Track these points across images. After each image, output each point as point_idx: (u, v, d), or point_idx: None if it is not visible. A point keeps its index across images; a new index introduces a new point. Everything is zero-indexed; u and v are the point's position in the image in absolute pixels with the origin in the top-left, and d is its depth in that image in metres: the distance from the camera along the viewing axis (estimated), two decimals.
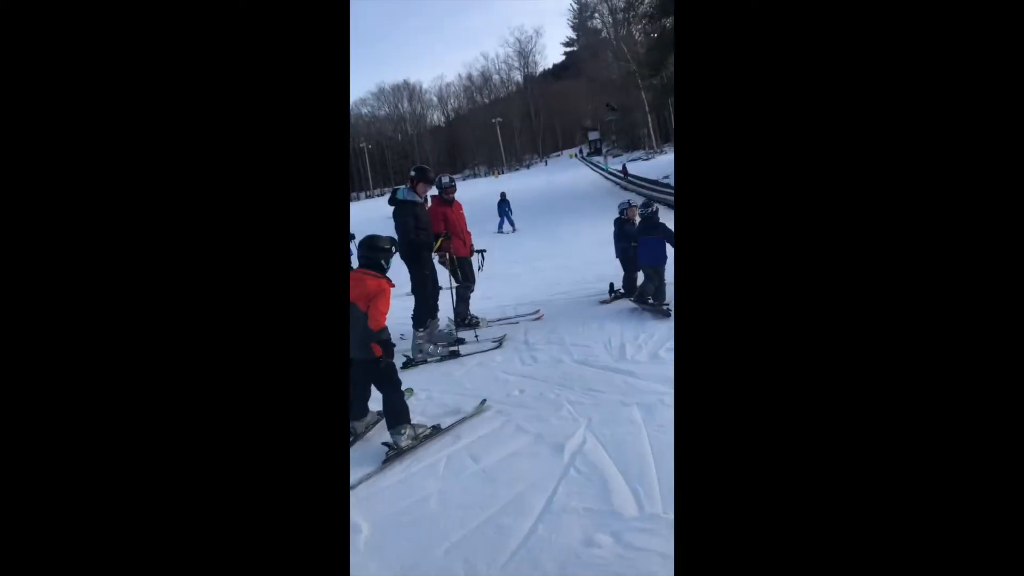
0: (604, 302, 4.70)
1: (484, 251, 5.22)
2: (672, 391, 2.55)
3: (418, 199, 3.83)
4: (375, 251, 2.64)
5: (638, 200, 5.11)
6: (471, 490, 1.99)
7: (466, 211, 4.77)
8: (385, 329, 2.45)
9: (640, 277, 4.46)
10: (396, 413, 2.42)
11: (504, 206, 13.00)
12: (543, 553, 1.59)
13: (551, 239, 9.63)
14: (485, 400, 2.78)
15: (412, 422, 2.45)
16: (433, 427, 2.53)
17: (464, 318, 4.35)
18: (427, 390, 3.11)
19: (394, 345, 2.52)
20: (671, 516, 1.66)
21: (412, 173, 3.89)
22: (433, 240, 3.90)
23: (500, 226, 12.64)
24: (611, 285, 4.80)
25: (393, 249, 2.72)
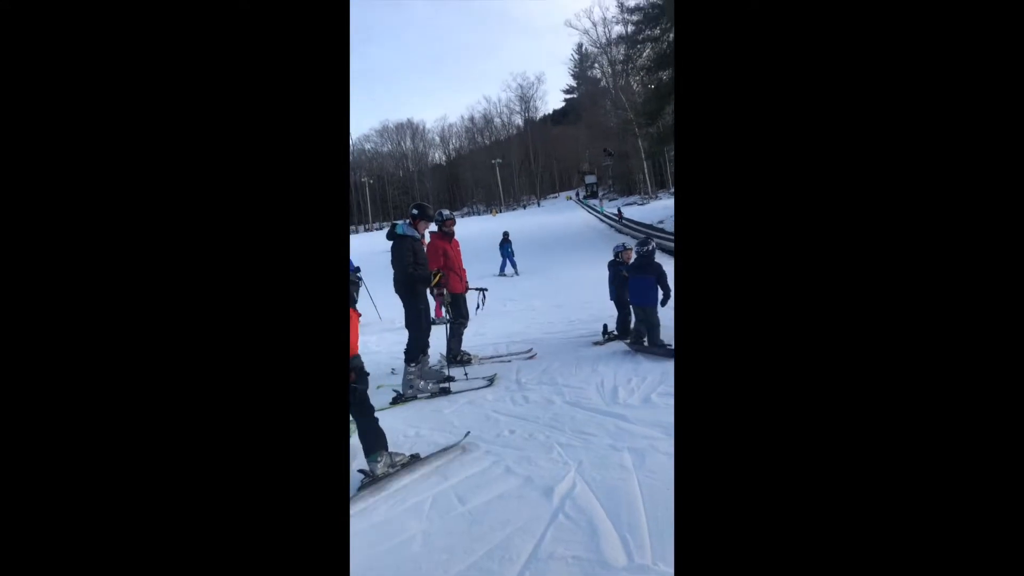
0: (597, 343, 4.69)
1: (485, 290, 5.24)
2: (663, 436, 2.54)
3: (416, 235, 3.87)
4: None
5: (632, 243, 5.17)
6: (456, 533, 1.93)
7: (465, 247, 4.83)
8: (357, 356, 2.49)
9: (634, 319, 4.47)
10: (371, 440, 2.41)
11: (506, 247, 12.09)
12: None
13: (546, 278, 9.69)
14: (468, 432, 2.75)
15: (389, 450, 2.44)
16: (412, 456, 2.52)
17: (456, 355, 4.33)
18: (416, 427, 3.06)
19: (367, 373, 2.55)
20: (660, 568, 1.62)
21: (414, 211, 3.93)
22: (430, 275, 3.92)
23: (502, 268, 11.78)
24: (605, 326, 4.80)
25: (360, 280, 2.78)
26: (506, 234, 12.42)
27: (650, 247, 4.55)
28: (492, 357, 4.58)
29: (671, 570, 1.60)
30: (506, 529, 1.91)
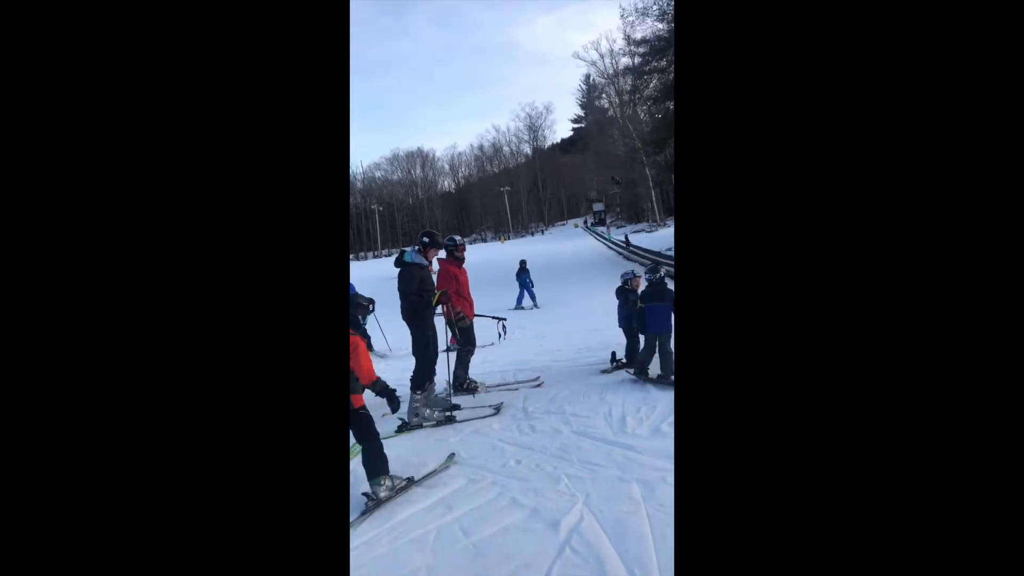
0: (606, 371, 4.65)
1: (504, 320, 5.23)
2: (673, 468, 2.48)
3: (424, 263, 3.89)
4: (352, 307, 2.82)
5: (640, 271, 5.16)
6: (460, 566, 1.89)
7: (474, 275, 4.86)
8: (379, 380, 2.61)
9: (643, 347, 4.42)
10: (375, 464, 2.46)
11: (524, 277, 10.78)
12: None
13: (554, 304, 9.68)
14: (453, 454, 2.81)
15: (391, 474, 2.49)
16: (408, 479, 2.56)
17: (463, 382, 4.30)
18: (420, 456, 3.02)
19: (394, 390, 2.67)
20: None
21: (424, 239, 3.96)
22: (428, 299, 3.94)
23: (519, 300, 10.49)
24: (613, 354, 4.76)
25: (371, 307, 2.86)
26: (523, 263, 11.13)
27: (660, 274, 4.53)
28: (499, 385, 4.54)
29: None
30: (511, 563, 1.86)
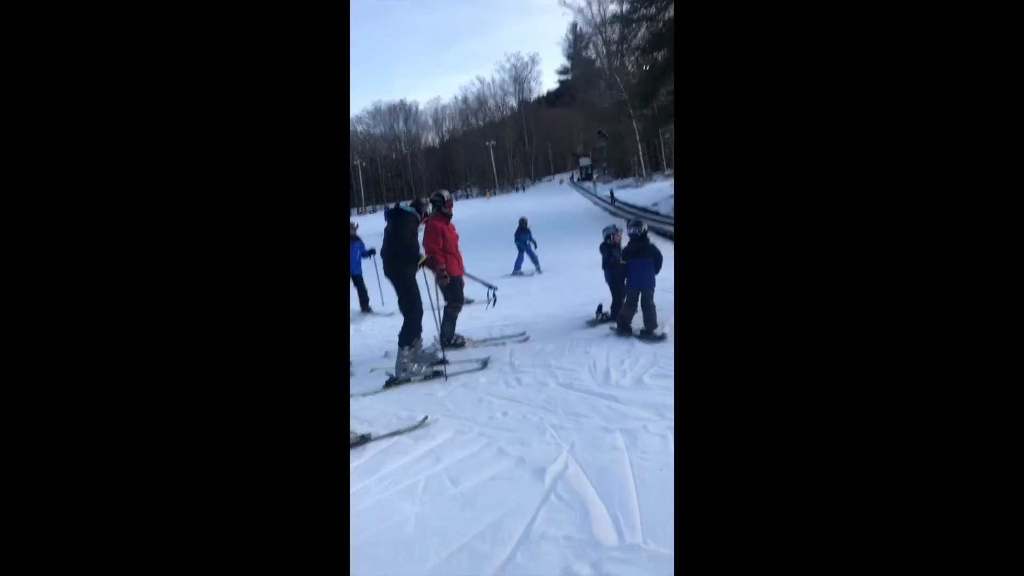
0: (592, 323, 4.70)
1: (495, 288, 5.21)
2: (655, 417, 2.55)
3: (418, 216, 3.87)
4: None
5: (623, 225, 5.13)
6: (449, 514, 1.94)
7: (461, 233, 4.80)
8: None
9: (625, 303, 4.45)
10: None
11: (524, 237, 9.32)
12: None
13: (541, 261, 9.65)
14: (426, 417, 2.87)
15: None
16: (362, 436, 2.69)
17: (450, 338, 4.32)
18: (409, 410, 3.06)
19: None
20: (651, 547, 1.63)
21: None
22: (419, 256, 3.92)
23: (518, 264, 9.12)
24: (599, 306, 4.80)
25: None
26: (524, 221, 9.63)
27: (643, 228, 4.52)
28: (486, 340, 4.58)
29: (662, 548, 1.62)
30: (498, 510, 1.92)
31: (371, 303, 6.67)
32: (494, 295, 5.18)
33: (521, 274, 8.89)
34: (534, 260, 9.13)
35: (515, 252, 9.40)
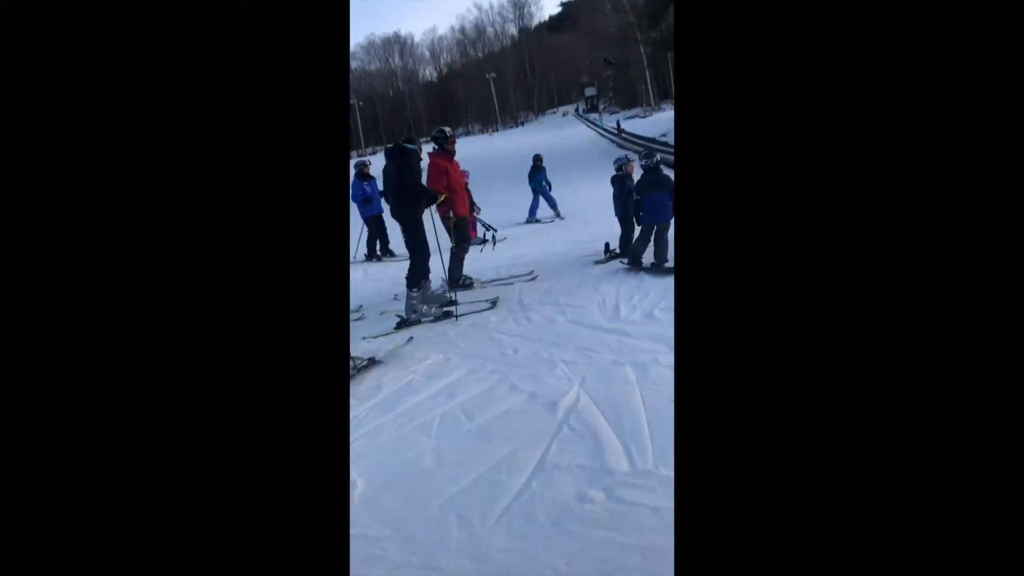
0: (599, 262, 4.67)
1: (495, 230, 5.14)
2: (665, 350, 2.57)
3: (415, 148, 3.78)
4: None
5: (634, 156, 4.98)
6: (465, 448, 2.01)
7: (464, 169, 4.71)
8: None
9: (637, 237, 4.39)
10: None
11: (540, 177, 8.17)
12: (536, 508, 1.61)
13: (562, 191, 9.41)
14: (412, 337, 3.20)
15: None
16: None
17: (458, 279, 4.32)
18: (421, 349, 3.11)
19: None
20: (662, 472, 1.69)
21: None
22: (434, 193, 3.86)
23: (533, 210, 8.01)
24: (607, 245, 4.75)
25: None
26: (538, 159, 8.34)
27: (656, 159, 4.38)
28: (494, 280, 4.58)
29: (672, 473, 1.67)
30: (513, 443, 1.98)
31: (391, 245, 6.56)
32: (493, 237, 5.13)
33: (538, 221, 7.78)
34: (552, 204, 7.94)
35: (525, 192, 8.33)
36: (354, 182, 6.56)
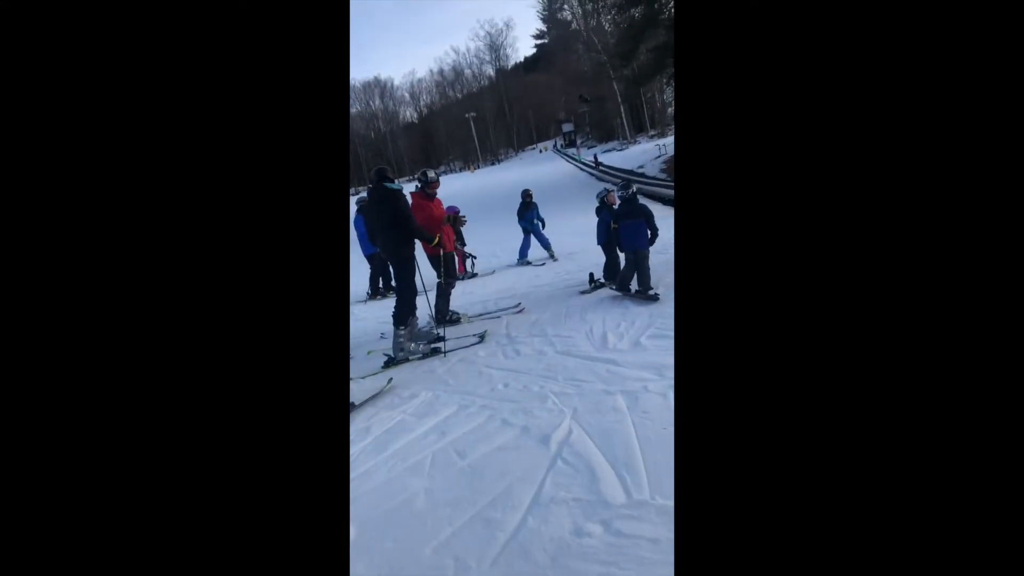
0: (585, 292, 4.71)
1: (474, 257, 5.19)
2: (655, 377, 2.58)
3: (403, 189, 3.82)
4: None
5: (614, 187, 5.12)
6: (458, 486, 1.97)
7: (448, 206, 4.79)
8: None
9: (623, 264, 4.46)
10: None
11: (531, 215, 7.37)
12: (533, 545, 1.58)
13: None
14: (391, 379, 3.21)
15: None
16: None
17: (445, 315, 4.31)
18: (410, 389, 3.07)
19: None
20: (659, 502, 1.67)
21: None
22: (427, 234, 3.89)
23: (524, 251, 7.26)
24: (591, 275, 4.81)
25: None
26: (527, 195, 7.54)
27: (632, 190, 4.52)
28: (481, 315, 4.58)
29: (670, 503, 1.65)
30: (507, 479, 1.95)
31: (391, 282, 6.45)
32: (473, 262, 5.13)
33: (529, 263, 7.00)
34: (545, 244, 7.18)
35: (512, 229, 7.70)
36: (357, 218, 6.27)
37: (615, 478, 1.84)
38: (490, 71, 55.64)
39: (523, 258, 7.23)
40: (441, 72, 57.25)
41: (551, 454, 2.07)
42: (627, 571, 1.41)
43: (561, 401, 2.54)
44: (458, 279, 6.21)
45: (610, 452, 2.01)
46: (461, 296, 5.04)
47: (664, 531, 1.54)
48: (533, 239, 7.34)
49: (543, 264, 6.77)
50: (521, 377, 2.95)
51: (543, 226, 7.36)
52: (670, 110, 33.76)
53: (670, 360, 2.79)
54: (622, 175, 15.53)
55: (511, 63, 56.08)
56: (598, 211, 4.99)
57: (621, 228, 4.37)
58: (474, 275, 6.45)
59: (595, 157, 23.24)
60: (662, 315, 3.61)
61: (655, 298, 3.96)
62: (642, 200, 4.73)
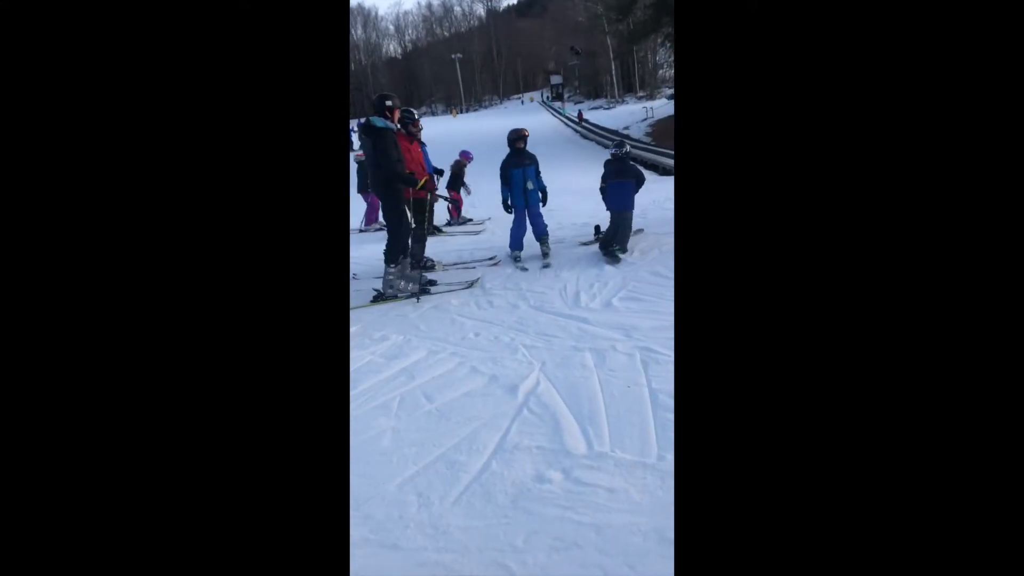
0: (586, 244, 4.71)
1: (447, 199, 5.08)
2: (623, 338, 2.64)
3: (395, 128, 3.67)
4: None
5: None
6: (424, 428, 2.01)
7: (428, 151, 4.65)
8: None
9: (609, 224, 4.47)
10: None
11: (523, 174, 4.45)
12: (495, 487, 1.64)
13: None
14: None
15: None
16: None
17: (419, 260, 4.27)
18: (381, 331, 3.07)
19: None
20: (618, 455, 1.75)
21: (388, 102, 3.67)
22: (412, 176, 3.77)
23: (517, 238, 4.51)
24: (597, 227, 4.78)
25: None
26: (520, 138, 4.61)
27: (625, 149, 4.52)
28: (456, 264, 4.56)
29: (628, 455, 1.73)
30: (473, 424, 2.00)
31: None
32: (448, 208, 5.05)
33: (520, 266, 4.34)
34: (540, 233, 4.49)
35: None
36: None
37: (578, 430, 1.91)
38: (481, 11, 53.19)
39: (517, 247, 4.52)
40: (430, 6, 54.42)
41: (518, 403, 2.12)
42: (583, 516, 1.49)
43: (531, 353, 2.59)
44: (454, 224, 6.19)
45: (575, 405, 2.07)
46: (436, 244, 4.99)
47: (620, 481, 1.62)
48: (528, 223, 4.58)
49: (525, 270, 4.19)
50: (493, 328, 2.98)
51: (544, 199, 4.56)
52: (661, 71, 33.13)
53: (639, 321, 2.86)
54: (606, 134, 15.33)
55: (503, 4, 53.69)
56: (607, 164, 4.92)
57: (609, 187, 4.37)
58: (468, 220, 6.43)
59: (579, 113, 22.77)
60: (635, 278, 3.67)
61: (616, 258, 4.07)
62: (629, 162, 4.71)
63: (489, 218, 6.45)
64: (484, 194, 7.10)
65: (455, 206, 6.55)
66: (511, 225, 4.55)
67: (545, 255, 4.36)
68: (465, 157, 6.55)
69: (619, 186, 4.31)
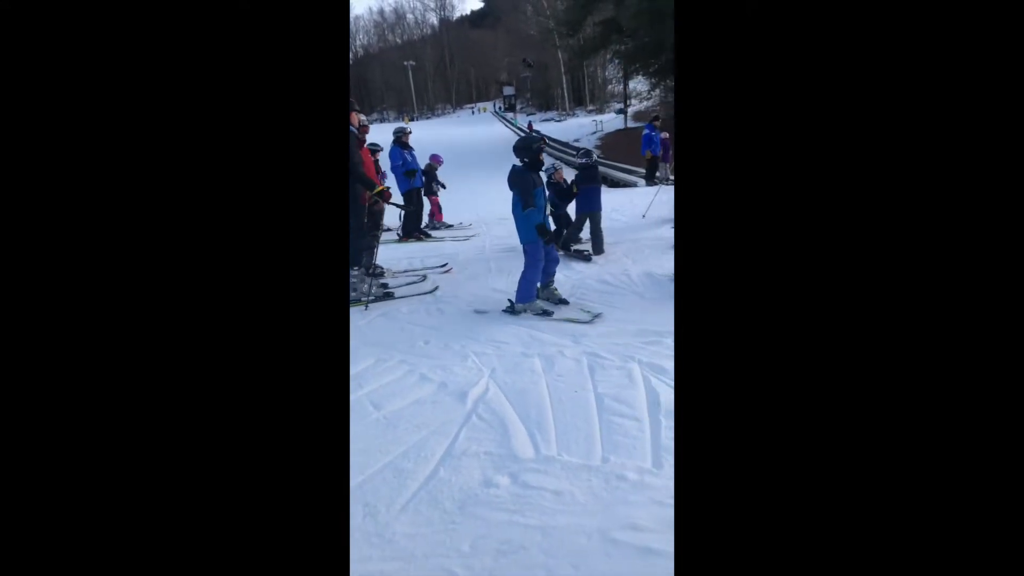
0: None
1: (403, 207, 5.03)
2: (571, 344, 2.70)
3: (354, 130, 3.61)
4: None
5: (561, 165, 5.25)
6: (371, 436, 1.97)
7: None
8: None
9: (571, 227, 4.88)
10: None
11: (530, 173, 3.39)
12: (443, 494, 1.63)
13: (468, 194, 9.41)
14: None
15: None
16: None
17: (369, 268, 4.20)
18: None
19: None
20: (564, 458, 1.78)
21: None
22: (371, 180, 3.72)
23: (528, 288, 3.26)
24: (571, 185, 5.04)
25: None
26: (539, 143, 3.50)
27: (593, 158, 5.07)
28: (406, 271, 4.51)
29: (574, 459, 1.77)
30: (421, 431, 1.98)
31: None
32: (401, 215, 5.02)
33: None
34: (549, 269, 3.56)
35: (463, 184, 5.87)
36: (393, 150, 5.76)
37: (526, 435, 1.93)
38: (434, 20, 53.12)
39: (531, 297, 3.34)
40: (382, 12, 53.94)
41: (467, 410, 2.13)
42: (529, 519, 1.51)
43: (481, 360, 2.60)
44: (437, 228, 6.37)
45: (523, 410, 2.09)
46: (388, 251, 4.93)
47: (566, 484, 1.65)
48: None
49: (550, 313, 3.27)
50: (443, 335, 2.97)
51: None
52: (610, 87, 34.12)
53: (587, 328, 2.93)
54: (558, 147, 15.64)
55: (456, 15, 53.88)
56: (548, 186, 5.05)
57: (581, 192, 4.77)
58: (449, 226, 6.65)
59: (529, 124, 23.09)
60: (583, 287, 3.75)
61: (588, 258, 4.51)
62: (570, 173, 5.05)
63: (470, 223, 6.72)
64: (455, 201, 7.52)
65: (436, 208, 6.81)
66: (524, 267, 3.34)
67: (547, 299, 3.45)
68: (435, 160, 6.85)
69: (590, 190, 4.76)
